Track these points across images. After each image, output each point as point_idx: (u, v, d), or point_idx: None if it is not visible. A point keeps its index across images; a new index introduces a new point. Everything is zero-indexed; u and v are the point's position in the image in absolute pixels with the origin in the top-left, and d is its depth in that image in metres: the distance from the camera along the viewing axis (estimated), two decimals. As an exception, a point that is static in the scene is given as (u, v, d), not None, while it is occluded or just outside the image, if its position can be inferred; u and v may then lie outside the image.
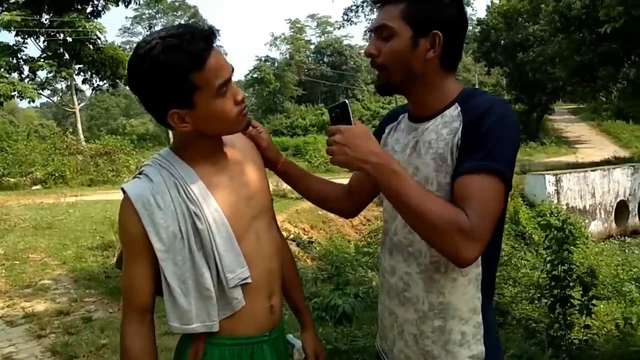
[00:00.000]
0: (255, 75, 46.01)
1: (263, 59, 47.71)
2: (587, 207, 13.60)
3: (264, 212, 1.43)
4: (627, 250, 11.80)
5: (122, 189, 1.28)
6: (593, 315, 4.80)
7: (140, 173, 1.33)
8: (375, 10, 1.38)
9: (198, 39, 1.21)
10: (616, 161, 17.86)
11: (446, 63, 1.30)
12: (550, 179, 13.01)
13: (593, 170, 14.01)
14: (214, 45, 1.24)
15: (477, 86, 37.51)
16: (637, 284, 8.54)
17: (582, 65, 17.58)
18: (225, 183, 1.36)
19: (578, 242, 10.57)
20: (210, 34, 1.23)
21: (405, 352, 1.38)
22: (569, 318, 4.60)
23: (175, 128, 1.27)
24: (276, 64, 48.21)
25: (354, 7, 36.79)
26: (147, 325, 1.32)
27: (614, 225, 14.02)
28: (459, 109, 1.26)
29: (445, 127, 1.27)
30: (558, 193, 13.09)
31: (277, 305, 1.43)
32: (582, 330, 4.73)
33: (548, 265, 4.82)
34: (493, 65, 29.35)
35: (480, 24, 28.12)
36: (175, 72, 1.19)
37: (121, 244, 1.33)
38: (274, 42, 59.17)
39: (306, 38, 54.12)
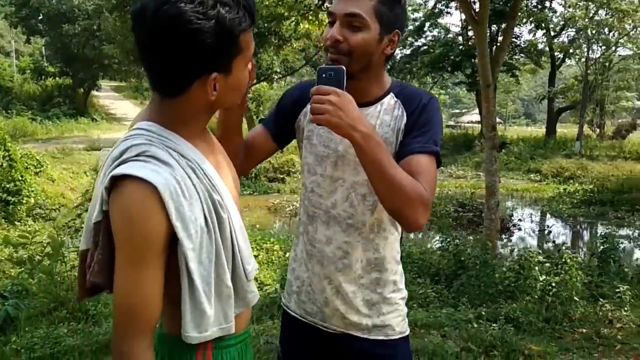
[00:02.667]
0: None
1: None
2: (157, 182, 14.66)
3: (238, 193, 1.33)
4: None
5: (133, 176, 0.99)
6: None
7: (140, 155, 1.04)
8: None
9: None
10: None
11: (388, 57, 1.54)
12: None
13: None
14: None
15: (13, 54, 34.06)
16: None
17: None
18: (223, 163, 1.24)
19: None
20: None
21: (341, 309, 1.57)
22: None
23: (201, 97, 1.08)
24: None
25: None
26: (152, 348, 1.09)
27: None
28: (395, 98, 1.53)
29: (386, 114, 1.52)
30: (132, 169, 13.65)
31: None
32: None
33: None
34: (33, 33, 27.27)
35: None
36: (230, 29, 1.04)
37: (125, 246, 1.02)
38: None
39: None
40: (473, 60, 24.51)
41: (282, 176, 19.75)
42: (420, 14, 29.53)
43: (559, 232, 13.38)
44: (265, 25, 18.24)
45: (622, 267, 6.85)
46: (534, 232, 13.21)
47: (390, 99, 1.53)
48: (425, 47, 29.97)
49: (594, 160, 22.15)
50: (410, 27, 30.79)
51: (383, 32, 1.44)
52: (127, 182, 1.00)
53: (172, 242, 1.05)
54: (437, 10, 27.61)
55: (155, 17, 0.98)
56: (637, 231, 12.27)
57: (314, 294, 1.60)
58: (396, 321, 1.60)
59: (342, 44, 1.41)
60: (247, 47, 1.11)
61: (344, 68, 1.34)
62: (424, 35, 31.52)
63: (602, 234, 7.21)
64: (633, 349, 3.83)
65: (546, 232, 13.02)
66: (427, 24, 28.51)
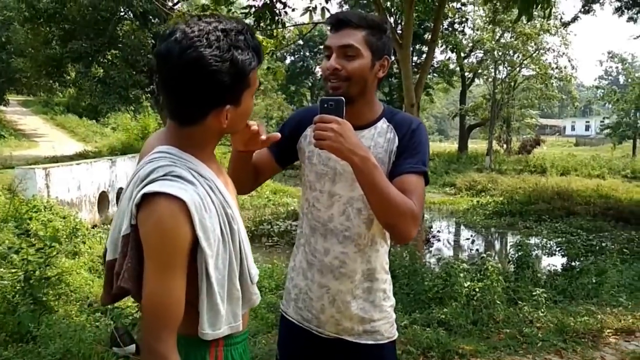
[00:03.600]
0: None
1: None
2: (74, 200, 14.00)
3: None
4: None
5: (165, 193, 1.14)
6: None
7: (167, 174, 1.19)
8: (331, 32, 1.66)
9: (253, 35, 1.25)
10: (92, 155, 18.86)
11: (380, 81, 1.73)
12: (40, 173, 12.74)
13: (78, 164, 14.50)
14: None
15: None
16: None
17: (51, 59, 17.65)
18: (228, 182, 1.40)
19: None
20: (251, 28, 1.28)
21: (335, 316, 1.74)
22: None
23: (215, 124, 1.25)
24: None
25: None
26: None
27: (97, 215, 14.92)
28: (387, 123, 1.72)
29: (380, 137, 1.70)
30: (48, 187, 12.97)
31: None
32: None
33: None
34: None
35: None
36: (242, 68, 1.21)
37: (156, 255, 1.15)
38: None
39: None
40: (390, 79, 25.50)
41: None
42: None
43: (475, 242, 14.14)
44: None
45: (535, 273, 7.43)
46: (449, 242, 13.86)
47: (383, 123, 1.71)
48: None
49: (503, 174, 23.58)
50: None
51: (374, 58, 1.64)
52: (158, 199, 1.14)
53: (192, 250, 1.18)
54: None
55: (179, 60, 1.15)
56: (544, 239, 13.17)
57: (311, 302, 1.75)
58: (385, 327, 1.77)
59: (340, 72, 1.61)
60: (254, 81, 1.27)
61: (344, 99, 1.51)
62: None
63: (517, 242, 7.74)
64: (553, 345, 4.20)
65: (470, 241, 13.73)
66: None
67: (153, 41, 17.72)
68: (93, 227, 14.06)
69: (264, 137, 1.49)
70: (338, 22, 1.64)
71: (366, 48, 1.62)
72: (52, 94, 25.68)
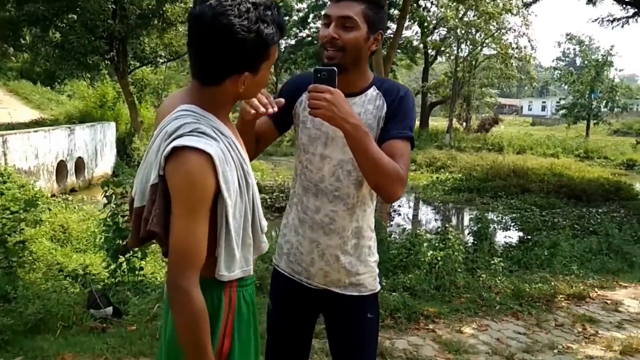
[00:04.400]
0: None
1: None
2: (32, 168, 13.68)
3: None
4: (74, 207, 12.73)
5: (193, 147, 1.25)
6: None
7: (193, 131, 1.29)
8: (331, 2, 1.76)
9: (279, 11, 1.36)
10: (49, 123, 18.37)
11: (372, 53, 1.85)
12: (-4, 140, 12.42)
13: (36, 132, 14.12)
14: None
15: None
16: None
17: (6, 22, 16.95)
18: (241, 141, 1.50)
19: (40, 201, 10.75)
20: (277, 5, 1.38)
21: (324, 269, 1.88)
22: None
23: (232, 88, 1.36)
24: None
25: None
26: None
27: (55, 185, 14.62)
28: (377, 91, 1.84)
29: (369, 104, 1.82)
30: (5, 155, 12.64)
31: None
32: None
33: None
34: None
35: None
36: (266, 41, 1.32)
37: (185, 201, 1.26)
38: None
39: None
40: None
41: (166, 164, 19.34)
42: (304, 5, 30.11)
43: (433, 216, 14.55)
44: (149, 6, 17.68)
45: (492, 245, 7.79)
46: (408, 217, 14.21)
47: (373, 91, 1.82)
48: (309, 39, 30.66)
49: (462, 151, 24.14)
50: (295, 18, 31.25)
51: (370, 32, 1.74)
52: (187, 152, 1.25)
53: (213, 200, 1.30)
54: (320, 2, 28.32)
55: (211, 24, 1.26)
56: (500, 215, 13.65)
57: (302, 256, 1.87)
58: (369, 280, 1.91)
59: (337, 41, 1.71)
60: (273, 54, 1.37)
61: (336, 69, 1.61)
62: (307, 27, 32.20)
63: (477, 215, 8.07)
64: (510, 308, 4.48)
65: (429, 216, 14.10)
66: (311, 16, 29.15)
67: (113, 6, 17.21)
68: (52, 197, 13.82)
69: (275, 108, 1.59)
70: None
71: (363, 21, 1.72)
72: (5, 58, 24.64)
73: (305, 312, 1.99)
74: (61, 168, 14.86)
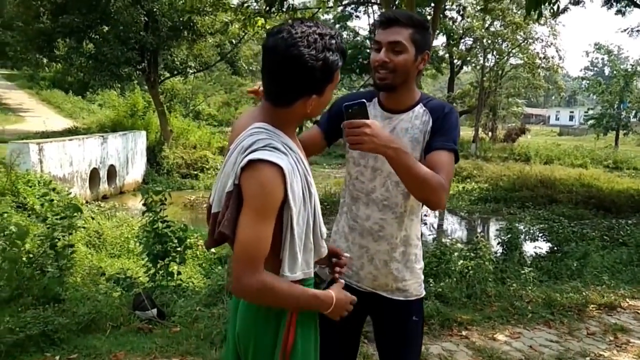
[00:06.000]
0: None
1: None
2: (67, 175, 14.09)
3: None
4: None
5: (267, 160, 1.41)
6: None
7: (266, 146, 1.45)
8: (380, 29, 1.90)
9: (341, 39, 1.53)
10: (82, 131, 18.87)
11: (419, 72, 1.99)
12: (34, 147, 12.82)
13: (70, 140, 14.54)
14: None
15: None
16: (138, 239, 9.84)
17: (41, 33, 17.49)
18: (303, 153, 1.65)
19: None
20: (340, 34, 1.56)
21: (373, 273, 2.02)
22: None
23: (301, 109, 1.52)
24: None
25: None
26: None
27: (88, 191, 15.02)
28: (424, 108, 1.98)
29: (416, 120, 1.96)
30: (41, 162, 13.05)
31: None
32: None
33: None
34: None
35: None
36: (333, 67, 1.49)
37: (255, 206, 1.42)
38: None
39: None
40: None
41: (195, 172, 19.61)
42: (330, 16, 30.36)
43: (459, 226, 14.53)
44: (180, 19, 18.07)
45: (522, 255, 7.80)
46: (434, 227, 14.20)
47: (419, 108, 1.96)
48: (336, 49, 30.85)
49: (488, 161, 24.00)
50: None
51: (417, 53, 1.89)
52: (262, 165, 1.41)
53: (280, 208, 1.46)
54: (346, 13, 28.54)
55: (284, 54, 1.43)
56: (527, 225, 13.58)
57: (352, 260, 2.00)
58: (414, 286, 2.04)
59: (389, 64, 1.87)
60: (336, 78, 1.54)
61: (365, 101, 1.71)
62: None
63: (507, 225, 8.09)
64: (541, 316, 4.53)
65: (454, 226, 14.08)
66: (337, 27, 29.35)
67: (146, 18, 17.65)
68: (85, 203, 14.19)
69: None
70: (388, 20, 1.89)
71: (411, 44, 1.87)
72: (40, 68, 25.34)
73: (354, 314, 2.12)
74: (94, 175, 15.27)
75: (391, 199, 1.96)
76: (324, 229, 1.64)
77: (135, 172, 18.00)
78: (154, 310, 4.05)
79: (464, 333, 4.12)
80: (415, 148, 1.93)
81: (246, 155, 1.43)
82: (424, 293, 2.11)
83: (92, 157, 15.19)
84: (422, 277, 2.10)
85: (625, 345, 4.07)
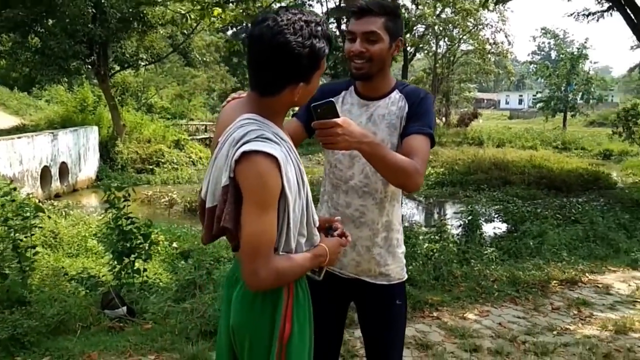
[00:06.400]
0: None
1: None
2: (17, 174, 13.58)
3: None
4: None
5: (261, 151, 1.39)
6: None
7: (259, 137, 1.43)
8: (354, 19, 1.91)
9: (327, 26, 1.52)
10: (31, 128, 18.19)
11: (392, 59, 2.00)
12: (-19, 146, 12.31)
13: (19, 138, 14.01)
14: None
15: None
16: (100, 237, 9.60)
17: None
18: (292, 142, 1.63)
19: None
20: (326, 20, 1.53)
21: (356, 259, 2.04)
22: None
23: (289, 97, 1.50)
24: None
25: None
26: None
27: (40, 190, 14.53)
28: (400, 94, 2.00)
29: (393, 106, 1.98)
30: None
31: None
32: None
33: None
34: None
35: None
36: (319, 54, 1.48)
37: (256, 199, 1.40)
38: None
39: None
40: (335, 52, 25.74)
41: (151, 167, 19.22)
42: (284, 4, 30.16)
43: (417, 210, 14.78)
44: (130, 10, 17.59)
45: (482, 235, 8.01)
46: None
47: (395, 94, 1.99)
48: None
49: (443, 146, 24.41)
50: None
51: (391, 40, 1.91)
52: (256, 156, 1.39)
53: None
54: (299, 2, 28.42)
55: (270, 42, 1.41)
56: (484, 207, 13.92)
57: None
58: (397, 270, 2.07)
59: (365, 54, 1.88)
60: (323, 65, 1.53)
61: (334, 100, 1.65)
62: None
63: (468, 208, 8.26)
64: (507, 294, 4.68)
65: (413, 210, 14.30)
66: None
67: (93, 10, 17.08)
68: (38, 203, 13.69)
69: None
70: (361, 11, 1.90)
71: (385, 33, 1.89)
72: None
73: (337, 300, 2.14)
74: (45, 174, 14.76)
75: (371, 185, 1.97)
76: (316, 217, 1.64)
77: (88, 169, 17.51)
78: (124, 308, 3.97)
79: (435, 314, 4.21)
80: (392, 134, 1.95)
81: (239, 148, 1.41)
82: (406, 276, 2.13)
83: (43, 155, 14.67)
84: (404, 261, 2.13)
85: (589, 318, 4.25)
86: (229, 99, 1.75)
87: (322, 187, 2.13)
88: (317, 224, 1.64)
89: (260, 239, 1.41)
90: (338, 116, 1.62)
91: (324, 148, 1.76)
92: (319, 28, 1.46)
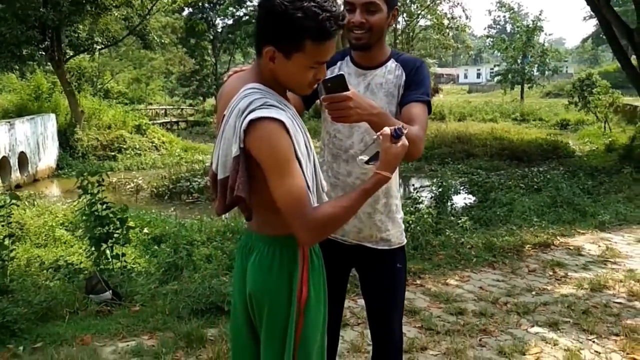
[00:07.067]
0: None
1: None
2: (-27, 166, 13.14)
3: None
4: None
5: (268, 117, 1.41)
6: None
7: (264, 104, 1.44)
8: None
9: (335, 19, 1.46)
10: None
11: (388, 28, 2.03)
12: None
13: (-27, 128, 13.51)
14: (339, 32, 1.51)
15: None
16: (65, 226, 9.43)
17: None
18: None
19: None
20: (343, 19, 1.49)
21: (357, 226, 2.08)
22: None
23: (266, 60, 1.49)
24: None
25: None
26: None
27: (-1, 182, 14.08)
28: (395, 62, 2.04)
29: (390, 74, 2.02)
30: (-57, 154, 12.07)
31: None
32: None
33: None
34: None
35: None
36: (296, 27, 1.43)
37: (275, 164, 1.41)
38: None
39: None
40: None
41: (112, 153, 18.82)
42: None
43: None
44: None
45: (453, 206, 8.21)
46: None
47: (392, 63, 2.02)
48: (247, 17, 30.24)
49: (406, 121, 24.65)
50: (231, -2, 30.71)
51: (389, 10, 1.94)
52: (263, 122, 1.40)
53: None
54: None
55: (264, 3, 1.46)
56: (449, 180, 14.19)
57: None
58: (397, 235, 2.12)
59: (365, 24, 1.90)
60: (309, 50, 1.45)
61: (343, 74, 1.68)
62: (245, 6, 31.72)
63: (439, 179, 8.42)
64: (485, 259, 4.84)
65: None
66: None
67: (44, -7, 16.48)
68: (-2, 195, 13.29)
69: None
70: None
71: (383, 2, 1.92)
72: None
73: (339, 267, 2.18)
74: (4, 164, 14.29)
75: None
76: (324, 183, 1.66)
77: (47, 157, 17.02)
78: (110, 292, 3.93)
79: (418, 282, 4.32)
80: (391, 102, 1.99)
81: (245, 117, 1.42)
82: (405, 241, 2.19)
83: (0, 145, 14.18)
84: (403, 225, 2.18)
85: (564, 278, 4.44)
86: (230, 72, 1.76)
87: (320, 158, 2.15)
88: (325, 189, 1.67)
89: (296, 193, 1.41)
90: (348, 90, 1.63)
91: (333, 122, 1.77)
92: (313, 8, 1.41)
